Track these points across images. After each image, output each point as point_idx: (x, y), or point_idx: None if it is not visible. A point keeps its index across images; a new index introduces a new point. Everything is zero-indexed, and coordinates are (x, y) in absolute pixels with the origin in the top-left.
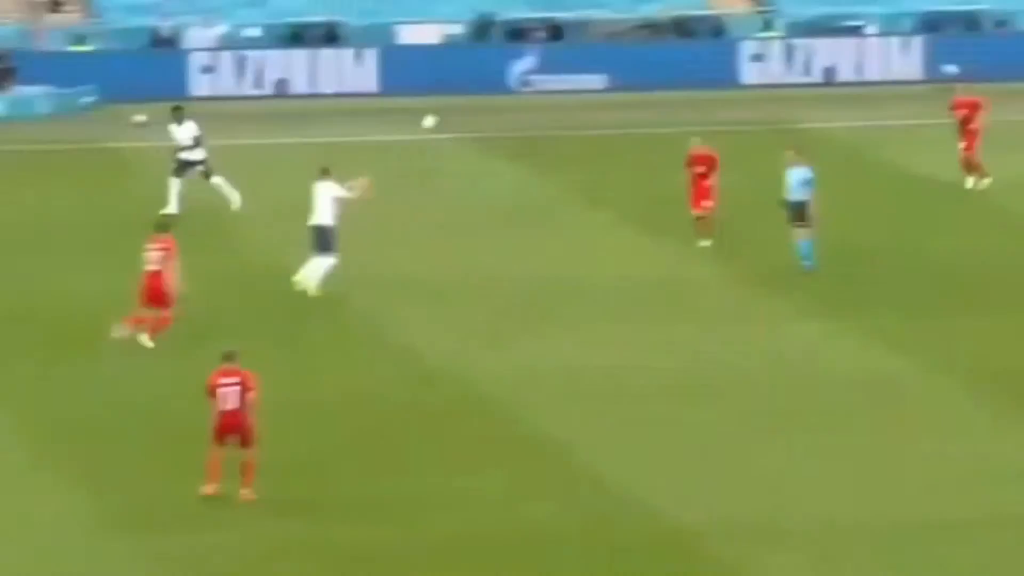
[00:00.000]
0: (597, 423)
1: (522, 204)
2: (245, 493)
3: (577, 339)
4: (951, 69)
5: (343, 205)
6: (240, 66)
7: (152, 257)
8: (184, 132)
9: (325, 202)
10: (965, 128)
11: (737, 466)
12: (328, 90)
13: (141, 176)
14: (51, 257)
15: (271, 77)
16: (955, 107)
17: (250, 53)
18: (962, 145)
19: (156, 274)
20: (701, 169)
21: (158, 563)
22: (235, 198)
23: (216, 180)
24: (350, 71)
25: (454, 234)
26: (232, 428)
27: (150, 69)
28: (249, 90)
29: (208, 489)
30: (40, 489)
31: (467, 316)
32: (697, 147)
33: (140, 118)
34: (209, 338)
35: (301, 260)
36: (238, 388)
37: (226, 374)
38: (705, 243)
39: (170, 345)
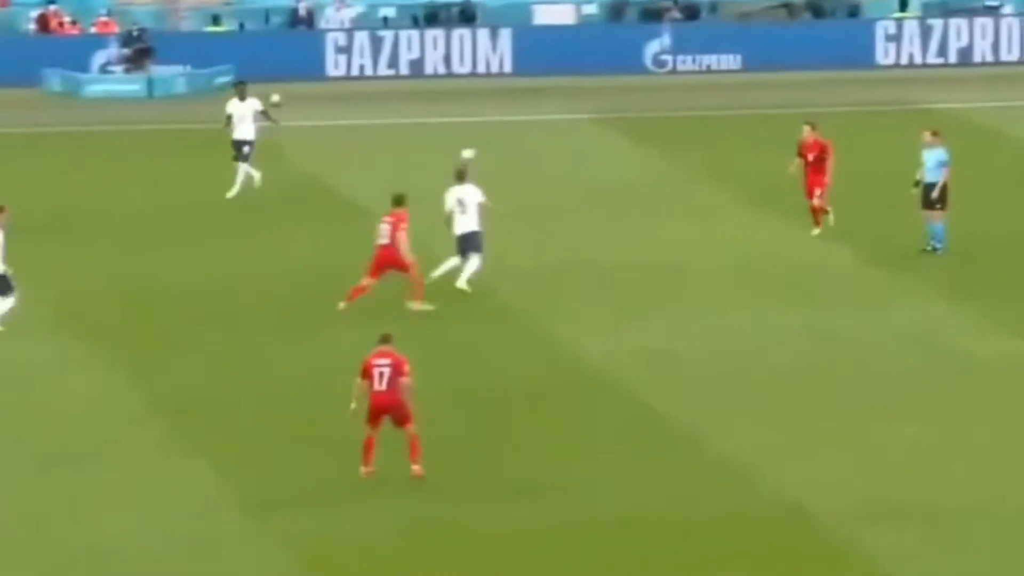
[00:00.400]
0: (722, 405)
1: (653, 185)
2: (416, 469)
3: (701, 321)
4: None
5: (484, 208)
6: (375, 46)
7: (383, 230)
8: (246, 108)
9: (471, 209)
10: None
11: (858, 447)
12: (462, 70)
13: (275, 156)
14: (187, 235)
15: (406, 57)
16: None
17: (385, 33)
18: None
19: (387, 247)
20: (811, 157)
21: (291, 543)
22: (234, 190)
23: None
24: (484, 51)
25: (583, 217)
26: (384, 408)
27: (286, 49)
28: (384, 70)
29: (366, 470)
30: (174, 466)
31: (595, 299)
32: (808, 135)
33: (276, 98)
34: (352, 321)
35: (443, 243)
36: (389, 370)
37: (381, 355)
38: (816, 231)
39: (309, 325)
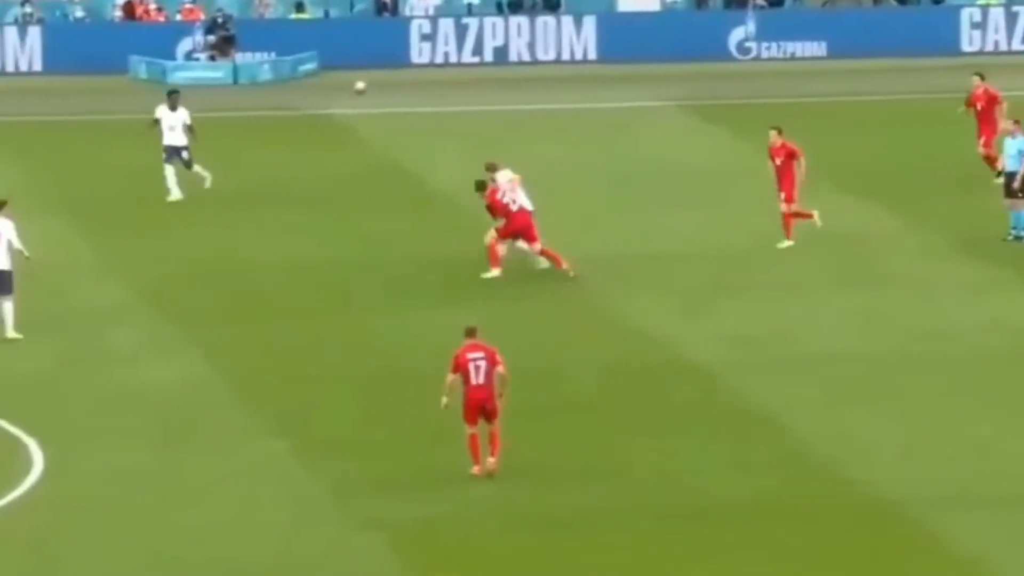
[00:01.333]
0: (805, 391)
1: (735, 172)
2: (492, 462)
3: (781, 306)
4: None
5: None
6: (460, 33)
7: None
8: (176, 118)
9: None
10: None
11: (944, 435)
12: (547, 58)
13: (359, 143)
14: (270, 221)
15: (490, 44)
16: None
17: (470, 20)
18: None
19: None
20: (778, 162)
21: (383, 528)
22: (208, 177)
23: (196, 168)
24: (569, 38)
25: (665, 202)
26: (483, 402)
27: (371, 36)
28: (468, 57)
29: (478, 468)
30: (264, 450)
31: (674, 284)
32: (774, 139)
33: (360, 85)
34: (436, 305)
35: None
36: (485, 362)
37: (473, 349)
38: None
39: (395, 309)
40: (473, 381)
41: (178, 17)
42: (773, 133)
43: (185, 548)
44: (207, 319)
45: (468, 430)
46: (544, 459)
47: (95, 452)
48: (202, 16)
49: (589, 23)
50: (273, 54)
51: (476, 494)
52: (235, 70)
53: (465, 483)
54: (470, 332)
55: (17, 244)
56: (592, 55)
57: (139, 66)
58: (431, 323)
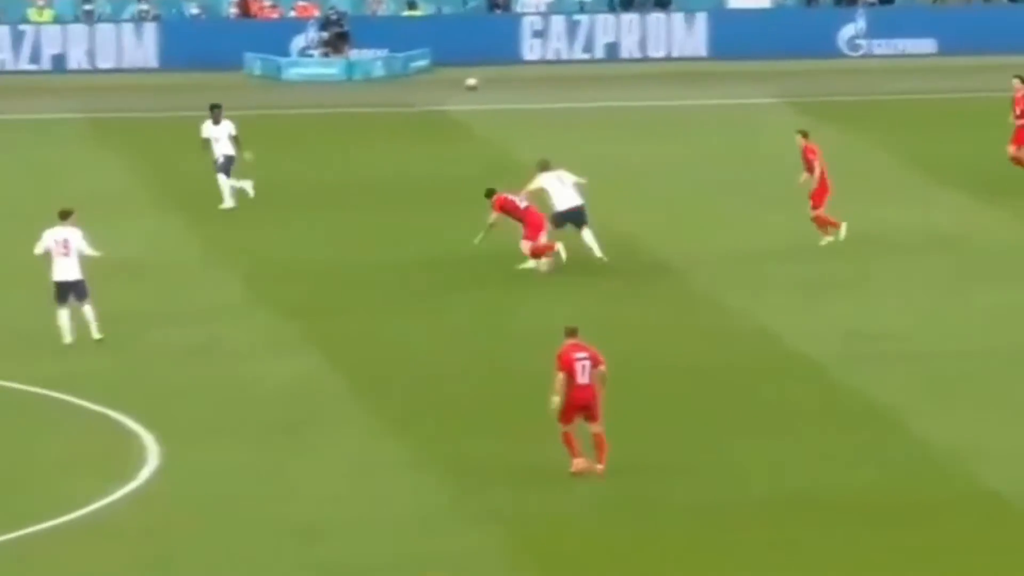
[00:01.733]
0: (919, 387)
1: (845, 169)
2: (601, 468)
3: (895, 302)
4: None
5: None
6: (571, 30)
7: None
8: (221, 130)
9: (568, 186)
10: None
11: None
12: (657, 54)
13: (471, 139)
14: (384, 216)
15: (601, 41)
16: None
17: (581, 17)
18: None
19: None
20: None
21: (495, 526)
22: (229, 202)
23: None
24: (680, 35)
25: (775, 199)
26: (586, 401)
27: (482, 33)
28: (579, 54)
29: (578, 463)
30: (379, 444)
31: (786, 279)
32: (800, 143)
33: (471, 82)
34: (543, 300)
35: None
36: (589, 362)
37: (577, 348)
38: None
39: (509, 305)
40: (579, 380)
41: (292, 14)
42: (799, 137)
43: (300, 544)
44: (322, 315)
45: (563, 428)
46: (656, 455)
47: (210, 447)
48: (316, 13)
49: (700, 20)
50: (386, 51)
51: (591, 490)
52: (348, 67)
53: (579, 479)
54: (571, 332)
55: (88, 251)
56: (703, 52)
57: (254, 63)
58: (544, 320)
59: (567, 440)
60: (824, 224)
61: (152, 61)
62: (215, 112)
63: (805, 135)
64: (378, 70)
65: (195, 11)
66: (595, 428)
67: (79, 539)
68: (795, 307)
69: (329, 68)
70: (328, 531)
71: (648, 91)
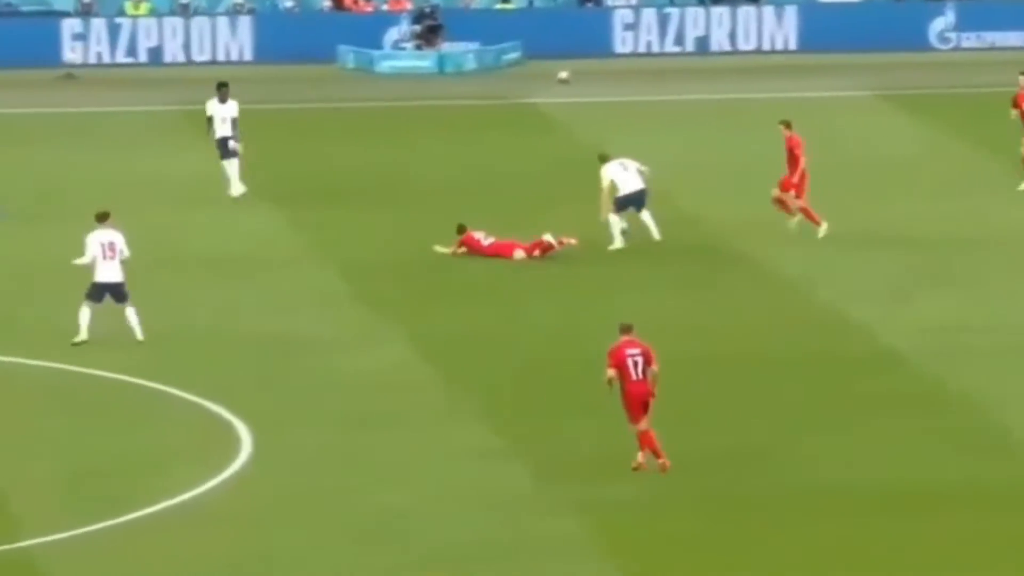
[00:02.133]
0: (1008, 380)
1: (934, 161)
2: (664, 462)
3: (984, 295)
4: None
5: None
6: (662, 23)
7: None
8: (227, 110)
9: (631, 171)
10: None
11: None
12: (747, 47)
13: (563, 131)
14: (472, 208)
15: (692, 34)
16: None
17: (672, 10)
18: None
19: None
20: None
21: (577, 515)
22: (237, 188)
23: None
24: (770, 28)
25: (865, 191)
26: (644, 397)
27: (574, 26)
28: (670, 47)
29: (662, 461)
30: (464, 434)
31: (874, 272)
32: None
33: (563, 75)
34: (632, 291)
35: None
36: (642, 359)
37: (630, 345)
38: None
39: (597, 296)
40: (633, 377)
41: (385, 7)
42: (782, 128)
43: (388, 531)
44: (411, 306)
45: (637, 427)
46: (739, 445)
47: (302, 435)
48: (409, 6)
49: (790, 13)
50: (478, 44)
51: (670, 479)
52: (441, 59)
53: (671, 467)
54: (626, 328)
55: (127, 252)
56: (792, 45)
57: (347, 55)
58: (629, 311)
59: (645, 440)
60: (784, 208)
61: (247, 54)
62: (222, 91)
63: (788, 126)
64: (470, 63)
65: (289, 4)
66: (646, 423)
67: (176, 526)
68: (883, 298)
69: (422, 61)
70: (415, 517)
71: (738, 84)
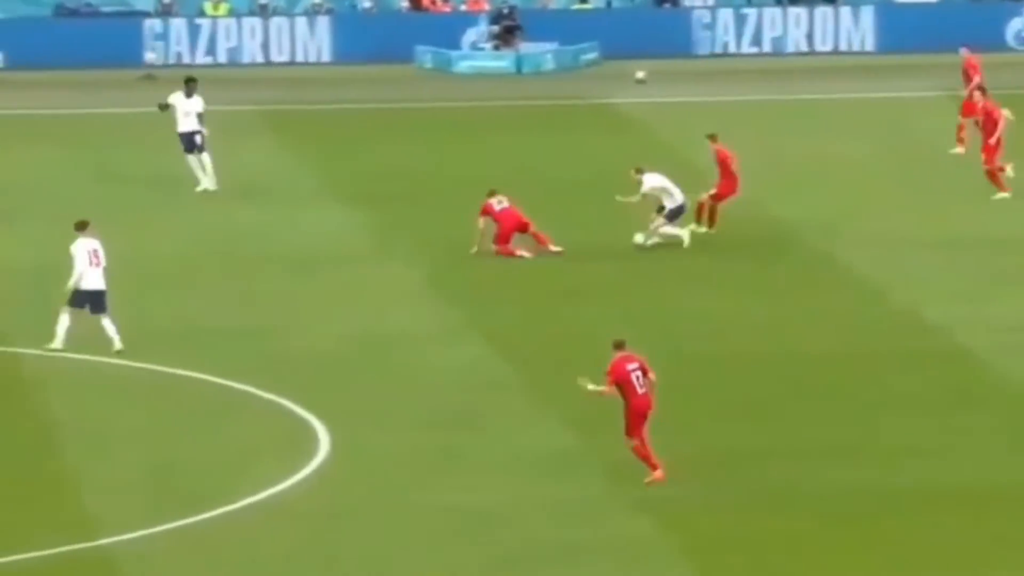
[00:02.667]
0: None
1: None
2: (659, 475)
3: None
4: None
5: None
6: (739, 24)
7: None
8: (191, 105)
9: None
10: None
11: None
12: (824, 48)
13: (637, 132)
14: (550, 208)
15: (769, 35)
16: None
17: (749, 11)
18: None
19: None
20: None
21: (655, 514)
22: (208, 182)
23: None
24: (847, 29)
25: (944, 192)
26: (646, 410)
27: (652, 27)
28: (747, 48)
29: (659, 473)
30: (540, 432)
31: (955, 271)
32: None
33: (640, 75)
34: (705, 287)
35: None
36: (641, 372)
37: (628, 360)
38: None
39: (674, 294)
40: (638, 391)
41: (463, 8)
42: (708, 141)
43: (464, 531)
44: (491, 304)
45: (632, 443)
46: (813, 442)
47: (380, 433)
48: (487, 7)
49: (867, 13)
50: (556, 44)
51: (743, 478)
52: (519, 60)
53: (739, 466)
54: (619, 345)
55: (105, 261)
56: (869, 46)
57: (425, 56)
58: (708, 310)
59: (642, 453)
60: (701, 217)
61: (325, 54)
62: (189, 85)
63: (713, 138)
64: (548, 63)
65: (367, 5)
66: (637, 440)
67: (255, 523)
68: (961, 297)
69: (499, 61)
70: (492, 518)
71: (814, 84)
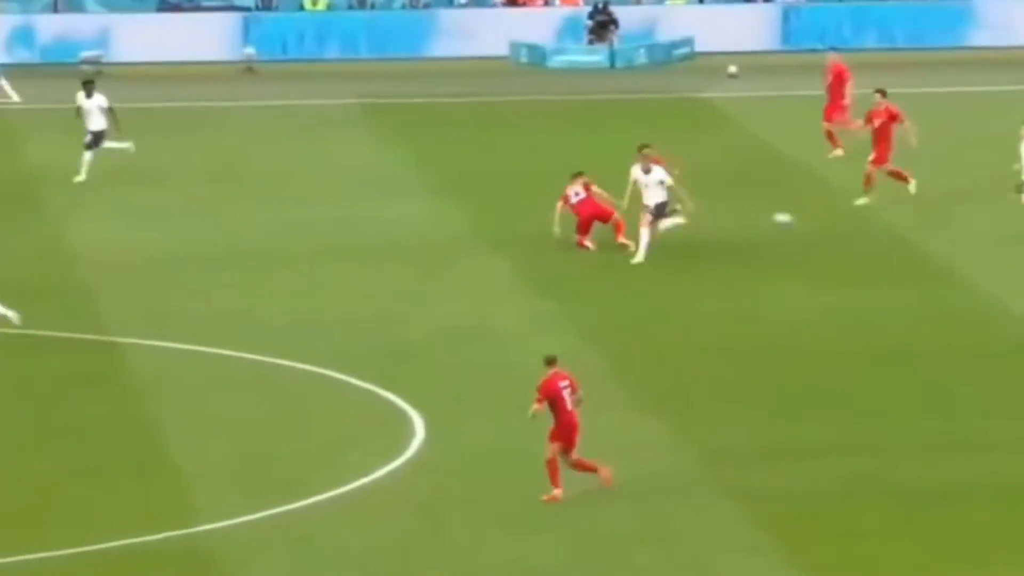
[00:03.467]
0: None
1: None
2: (558, 494)
3: None
4: None
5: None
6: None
7: None
8: (92, 103)
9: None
10: None
11: None
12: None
13: (728, 126)
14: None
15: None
16: None
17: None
18: None
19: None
20: None
21: (746, 502)
22: (82, 175)
23: (110, 144)
24: None
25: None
26: (573, 427)
27: (741, 22)
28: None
29: (558, 492)
30: (635, 421)
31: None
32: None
33: (732, 69)
34: (797, 282)
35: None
36: (570, 390)
37: (560, 377)
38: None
39: (764, 288)
40: (568, 407)
41: (558, 3)
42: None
43: (556, 521)
44: (583, 296)
45: (550, 452)
46: (897, 435)
47: (473, 424)
48: (581, 2)
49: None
50: (650, 39)
51: (832, 468)
52: (612, 54)
53: (826, 456)
54: (551, 361)
55: None
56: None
57: (520, 50)
58: (792, 303)
59: (552, 466)
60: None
61: (421, 48)
62: (87, 87)
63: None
64: (641, 58)
65: (463, 0)
66: (574, 456)
67: (349, 513)
68: None
69: (593, 56)
70: (582, 506)
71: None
